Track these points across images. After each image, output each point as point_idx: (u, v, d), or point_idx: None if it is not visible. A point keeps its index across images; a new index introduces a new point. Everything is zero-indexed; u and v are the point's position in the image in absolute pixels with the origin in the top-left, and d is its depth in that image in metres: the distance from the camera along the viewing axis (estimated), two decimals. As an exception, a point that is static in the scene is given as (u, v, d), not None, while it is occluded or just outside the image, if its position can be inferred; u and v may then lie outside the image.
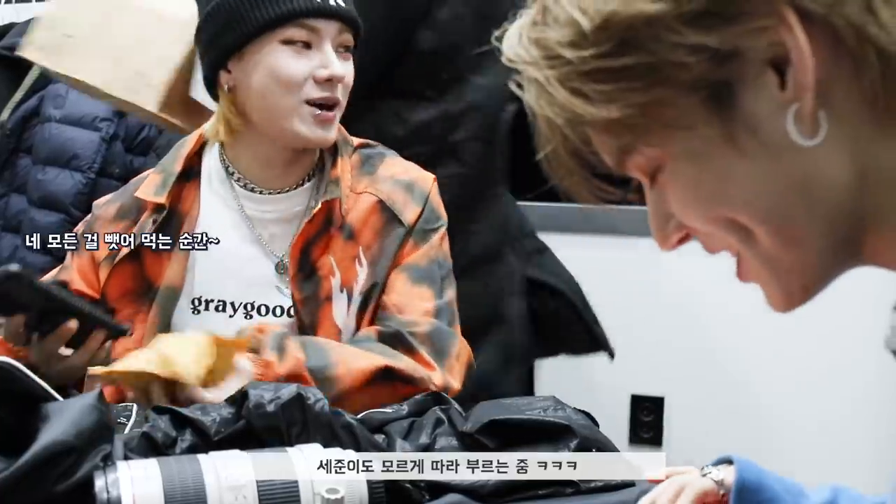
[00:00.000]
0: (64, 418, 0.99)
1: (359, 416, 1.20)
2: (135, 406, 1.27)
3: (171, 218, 1.51)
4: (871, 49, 0.59)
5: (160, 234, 1.49)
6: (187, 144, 1.56)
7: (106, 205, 1.58)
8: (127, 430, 1.20)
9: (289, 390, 1.12)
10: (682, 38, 0.60)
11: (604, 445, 1.16)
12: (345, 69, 1.47)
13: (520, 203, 2.16)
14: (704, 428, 2.67)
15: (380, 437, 1.17)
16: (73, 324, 1.37)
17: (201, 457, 0.99)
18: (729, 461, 1.17)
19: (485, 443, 1.15)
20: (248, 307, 1.50)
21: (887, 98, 0.60)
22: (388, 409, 1.25)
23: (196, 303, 1.51)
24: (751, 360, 2.64)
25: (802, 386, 2.60)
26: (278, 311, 1.49)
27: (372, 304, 1.48)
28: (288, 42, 1.44)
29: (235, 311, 1.50)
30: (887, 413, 2.50)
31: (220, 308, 1.51)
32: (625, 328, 2.72)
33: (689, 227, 0.68)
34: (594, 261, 2.71)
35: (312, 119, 1.46)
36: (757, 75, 0.61)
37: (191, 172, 1.55)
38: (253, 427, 1.10)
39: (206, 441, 1.10)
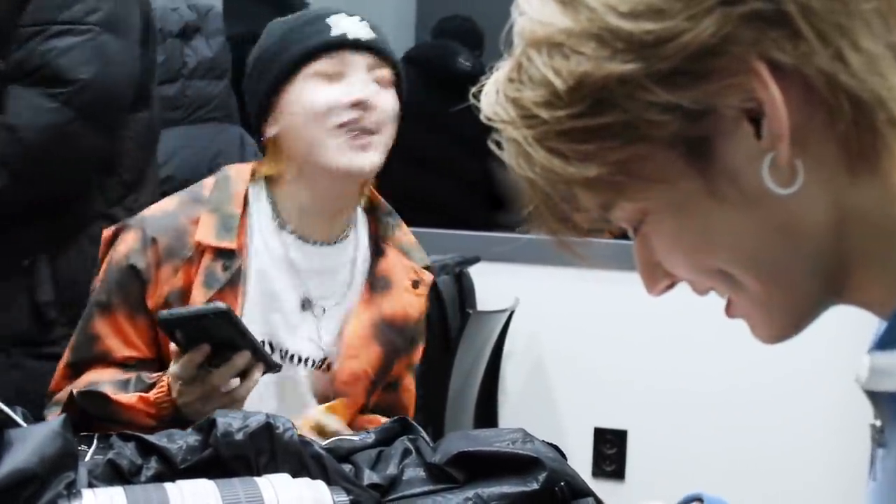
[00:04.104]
0: (27, 445, 0.97)
1: (325, 445, 1.19)
2: (96, 433, 1.24)
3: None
4: (844, 97, 0.59)
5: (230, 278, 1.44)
6: (236, 182, 1.50)
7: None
8: (87, 457, 1.17)
9: (257, 419, 1.11)
10: (655, 97, 0.61)
11: (573, 479, 1.16)
12: (378, 97, 1.44)
13: (489, 234, 2.15)
14: (667, 461, 2.67)
15: (347, 467, 1.16)
16: (245, 357, 1.30)
17: (168, 485, 0.98)
18: (699, 499, 1.17)
19: (453, 475, 1.14)
20: (283, 353, 1.48)
21: (861, 144, 0.60)
22: (354, 438, 1.24)
23: None
24: (713, 394, 2.65)
25: (766, 418, 2.61)
26: (309, 362, 1.49)
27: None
28: (318, 75, 1.43)
29: (272, 352, 1.47)
30: (851, 445, 2.53)
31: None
32: (588, 361, 2.73)
33: (676, 274, 0.69)
34: (558, 292, 2.72)
35: (346, 145, 1.42)
36: (733, 128, 0.61)
37: (242, 213, 1.50)
38: (220, 455, 1.08)
39: (172, 469, 1.08)
